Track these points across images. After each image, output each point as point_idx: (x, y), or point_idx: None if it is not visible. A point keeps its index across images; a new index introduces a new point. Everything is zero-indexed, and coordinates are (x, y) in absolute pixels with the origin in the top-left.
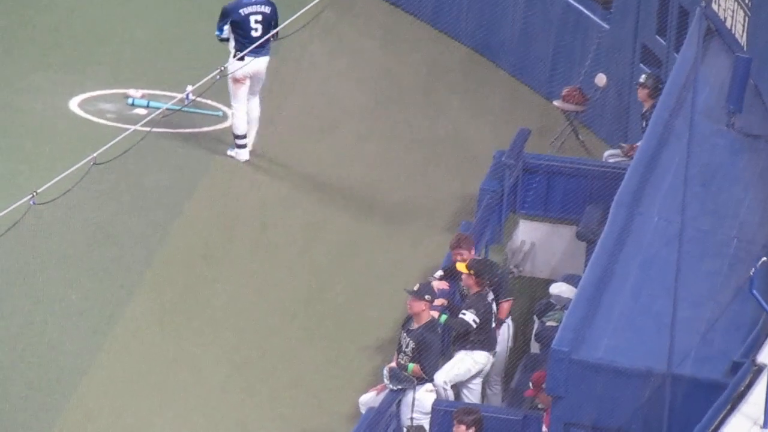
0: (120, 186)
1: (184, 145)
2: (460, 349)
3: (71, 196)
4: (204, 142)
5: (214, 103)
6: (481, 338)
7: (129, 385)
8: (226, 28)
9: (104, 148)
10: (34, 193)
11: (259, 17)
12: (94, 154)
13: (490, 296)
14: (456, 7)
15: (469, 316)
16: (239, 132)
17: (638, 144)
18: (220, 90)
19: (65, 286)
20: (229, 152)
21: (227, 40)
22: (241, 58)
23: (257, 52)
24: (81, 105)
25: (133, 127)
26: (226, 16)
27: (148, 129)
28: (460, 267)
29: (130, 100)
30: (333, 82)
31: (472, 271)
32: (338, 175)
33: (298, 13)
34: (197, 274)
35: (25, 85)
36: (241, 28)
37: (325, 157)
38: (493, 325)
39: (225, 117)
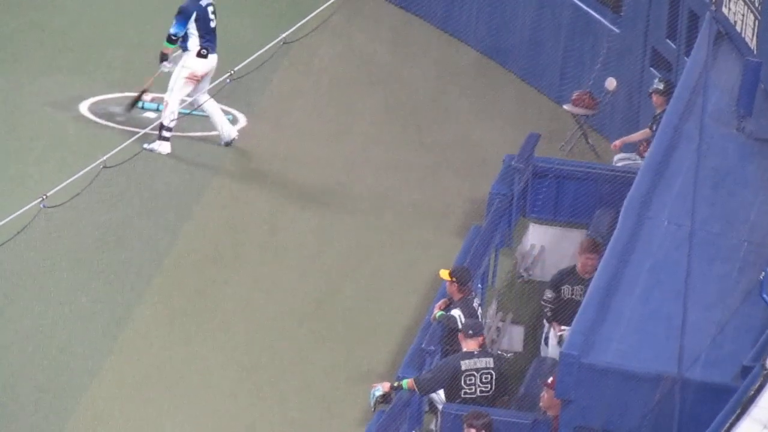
0: (130, 189)
1: (193, 148)
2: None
3: (81, 199)
4: (213, 145)
5: (223, 107)
6: None
7: (138, 388)
8: (191, 24)
9: (114, 151)
10: (44, 197)
11: (212, 8)
12: (104, 158)
13: (476, 302)
14: (466, 10)
15: (456, 312)
16: (170, 124)
17: (638, 132)
18: (230, 93)
19: (75, 289)
20: (146, 146)
21: (182, 39)
22: (205, 56)
23: (215, 47)
24: (91, 108)
25: (143, 131)
26: (188, 12)
27: (157, 132)
28: (443, 274)
29: (139, 104)
30: (342, 86)
31: (454, 279)
32: (348, 179)
33: (308, 17)
34: (207, 278)
35: (35, 88)
36: (203, 21)
37: (334, 161)
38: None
39: (236, 120)
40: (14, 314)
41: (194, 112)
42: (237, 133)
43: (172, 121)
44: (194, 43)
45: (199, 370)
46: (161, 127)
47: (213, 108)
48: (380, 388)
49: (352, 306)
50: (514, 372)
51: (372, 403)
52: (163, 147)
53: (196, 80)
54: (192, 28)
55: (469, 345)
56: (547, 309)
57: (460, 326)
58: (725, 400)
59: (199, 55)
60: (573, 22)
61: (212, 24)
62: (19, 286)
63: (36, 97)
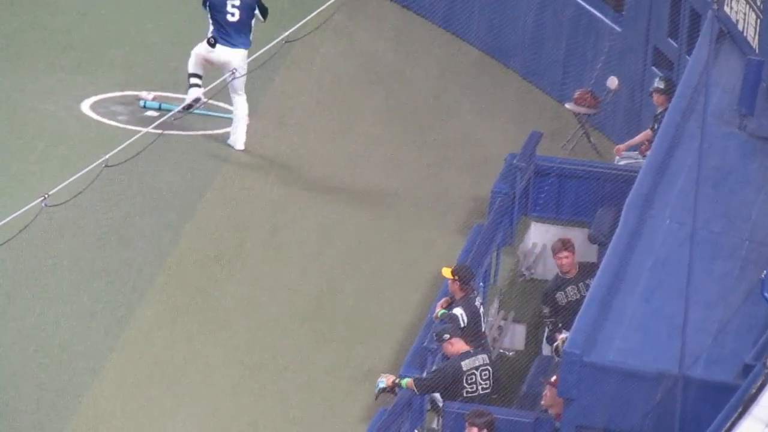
0: (132, 188)
1: (195, 147)
2: None
3: (83, 197)
4: (216, 144)
5: (225, 106)
6: (474, 345)
7: (140, 387)
8: (208, 11)
9: (116, 150)
10: (46, 195)
11: (237, 2)
12: (106, 156)
13: (478, 301)
14: (468, 9)
15: (458, 311)
16: (192, 70)
17: (640, 134)
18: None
19: (77, 288)
20: (174, 112)
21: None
22: (212, 44)
23: (231, 42)
24: (93, 107)
25: (144, 129)
26: None
27: (159, 131)
28: (446, 272)
29: (141, 103)
30: (344, 85)
31: (456, 277)
32: (350, 178)
33: (310, 16)
34: (209, 276)
35: (38, 87)
36: (217, 12)
37: (336, 160)
38: (483, 328)
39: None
40: (16, 313)
41: (196, 111)
42: (243, 148)
43: (191, 67)
44: (209, 30)
45: (201, 368)
46: (188, 75)
47: (242, 113)
48: (384, 381)
49: (353, 304)
50: (516, 370)
51: (375, 394)
52: (193, 92)
53: (205, 62)
54: (209, 15)
55: (462, 346)
56: (548, 323)
57: (446, 336)
58: (727, 399)
59: (208, 42)
60: (575, 21)
61: (230, 18)
62: (21, 284)
63: (38, 95)
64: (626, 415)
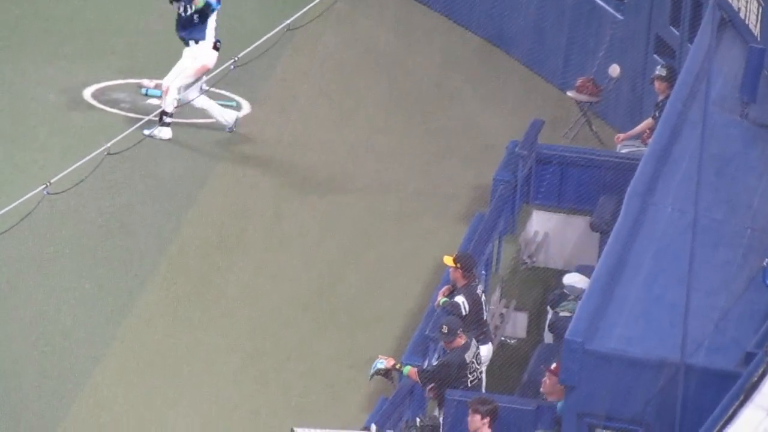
0: (134, 176)
1: (197, 135)
2: None
3: (85, 185)
4: (217, 132)
5: (227, 93)
6: (476, 333)
7: (142, 374)
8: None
9: (118, 137)
10: (48, 183)
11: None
12: (108, 144)
13: (480, 289)
14: None
15: (460, 299)
16: (171, 109)
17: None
18: (234, 80)
19: (79, 276)
20: (147, 132)
21: (195, 29)
22: (218, 49)
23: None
24: (95, 95)
25: (147, 117)
26: None
27: (157, 119)
28: (447, 260)
29: (143, 90)
30: (346, 73)
31: (458, 265)
32: (351, 166)
33: (312, 3)
34: (210, 264)
35: (40, 75)
36: (215, 14)
37: (338, 148)
38: (485, 316)
39: (239, 106)
40: (18, 301)
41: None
42: (238, 114)
43: (175, 108)
44: (210, 34)
45: (203, 356)
46: (163, 113)
47: (205, 103)
48: (384, 362)
49: (355, 293)
50: (518, 358)
51: (371, 374)
52: (164, 132)
53: (203, 73)
54: (213, 16)
55: (463, 339)
56: None
57: (445, 330)
58: (728, 387)
59: (215, 47)
60: (577, 9)
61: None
62: (23, 272)
63: (40, 84)
64: (628, 403)
